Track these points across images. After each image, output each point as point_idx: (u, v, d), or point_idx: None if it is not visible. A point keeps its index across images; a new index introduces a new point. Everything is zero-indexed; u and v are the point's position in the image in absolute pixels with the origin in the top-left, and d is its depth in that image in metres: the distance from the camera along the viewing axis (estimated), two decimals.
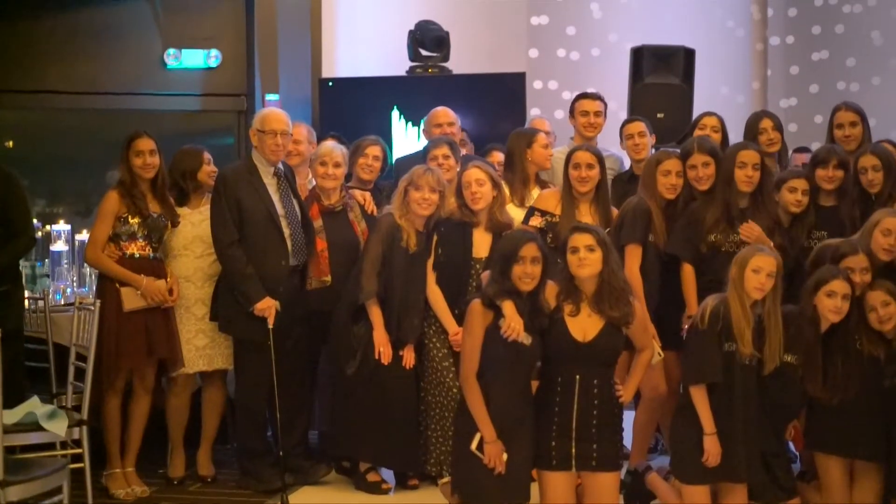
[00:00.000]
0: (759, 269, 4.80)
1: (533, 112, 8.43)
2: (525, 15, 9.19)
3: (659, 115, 7.25)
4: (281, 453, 5.55)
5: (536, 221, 5.69)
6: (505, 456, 4.55)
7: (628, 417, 5.22)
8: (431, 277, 5.62)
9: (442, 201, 5.61)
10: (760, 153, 5.55)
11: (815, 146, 6.92)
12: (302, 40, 8.70)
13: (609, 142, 6.91)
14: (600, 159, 5.73)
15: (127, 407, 5.79)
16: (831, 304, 4.92)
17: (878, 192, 5.54)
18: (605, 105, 6.77)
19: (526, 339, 4.55)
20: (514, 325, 4.52)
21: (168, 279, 5.76)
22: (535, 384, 4.74)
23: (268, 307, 5.58)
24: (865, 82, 8.87)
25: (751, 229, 5.35)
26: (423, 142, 6.78)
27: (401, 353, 5.61)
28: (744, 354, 4.79)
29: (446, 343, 5.63)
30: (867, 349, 5.02)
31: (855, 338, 5.03)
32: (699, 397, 4.82)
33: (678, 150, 5.71)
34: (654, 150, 6.25)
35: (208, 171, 5.99)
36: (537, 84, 8.98)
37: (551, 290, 4.73)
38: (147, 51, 8.50)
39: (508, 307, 4.54)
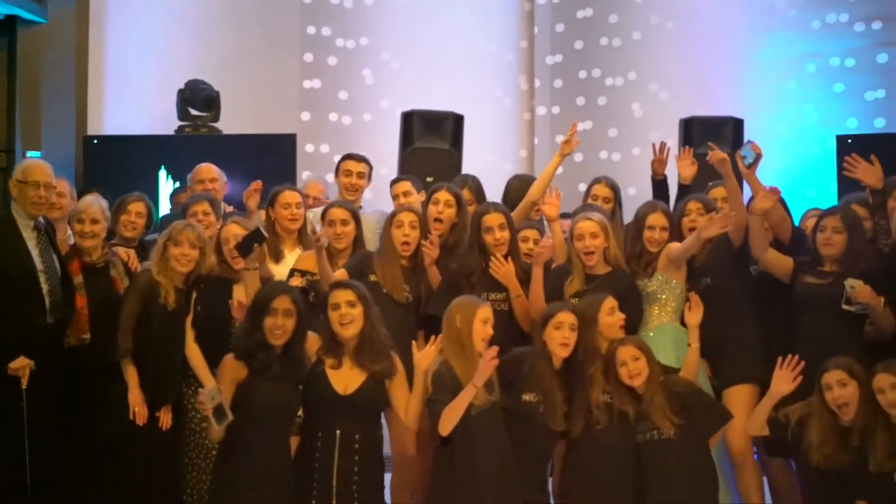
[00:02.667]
0: (487, 320, 4.85)
1: (305, 175, 8.40)
2: (298, 78, 9.21)
3: (428, 179, 7.30)
4: None
5: (297, 281, 5.63)
6: None
7: None
8: (191, 335, 5.47)
9: (202, 257, 5.48)
10: (506, 214, 5.67)
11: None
12: (67, 96, 8.48)
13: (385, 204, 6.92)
14: (355, 215, 5.78)
15: None
16: (559, 336, 4.99)
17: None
18: (371, 168, 6.78)
19: (217, 421, 4.49)
20: (203, 400, 4.47)
21: None
22: (295, 440, 4.67)
23: (21, 367, 5.31)
24: (626, 152, 9.23)
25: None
26: None
27: (157, 413, 5.41)
28: (476, 402, 4.75)
29: None
30: (617, 405, 5.09)
31: (606, 391, 5.11)
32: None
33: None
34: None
35: None
36: (309, 147, 9.00)
37: (314, 344, 4.68)
38: None
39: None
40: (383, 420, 5.09)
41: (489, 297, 5.47)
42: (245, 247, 5.29)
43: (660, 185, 6.55)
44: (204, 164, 6.75)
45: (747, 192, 5.65)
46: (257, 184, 6.46)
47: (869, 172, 5.55)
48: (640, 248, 5.72)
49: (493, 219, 5.61)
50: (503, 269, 5.39)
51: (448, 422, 4.63)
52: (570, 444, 5.14)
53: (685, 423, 5.06)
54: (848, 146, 7.98)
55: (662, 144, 6.60)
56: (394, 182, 6.73)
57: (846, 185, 6.03)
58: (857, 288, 5.19)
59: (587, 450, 5.08)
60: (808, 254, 5.58)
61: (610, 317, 5.21)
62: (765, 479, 5.68)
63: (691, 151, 6.39)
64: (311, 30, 9.33)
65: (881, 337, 5.38)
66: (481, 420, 4.74)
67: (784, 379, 5.06)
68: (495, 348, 4.72)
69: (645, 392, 5.11)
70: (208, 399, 4.51)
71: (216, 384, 4.63)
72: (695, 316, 5.37)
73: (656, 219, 5.71)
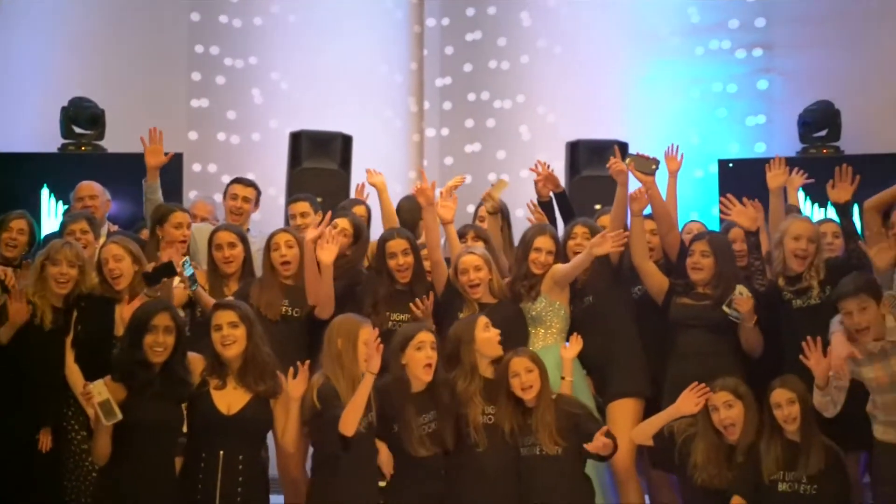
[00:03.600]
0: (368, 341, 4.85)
1: (192, 195, 8.30)
2: (185, 97, 9.11)
3: (318, 200, 7.29)
4: None
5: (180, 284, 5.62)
6: None
7: None
8: (70, 355, 5.35)
9: (82, 276, 5.37)
10: (410, 240, 5.79)
11: None
12: None
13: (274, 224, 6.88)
14: (242, 237, 5.85)
15: None
16: (423, 357, 4.99)
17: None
18: (258, 192, 6.76)
19: (104, 416, 4.41)
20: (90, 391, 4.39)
21: None
22: (179, 461, 4.60)
23: None
24: (514, 174, 9.29)
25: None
26: None
27: (37, 436, 5.28)
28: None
29: (86, 424, 5.36)
30: (499, 421, 5.13)
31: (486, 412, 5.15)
32: None
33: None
34: None
35: None
36: (196, 166, 8.89)
37: (198, 364, 4.63)
38: None
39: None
40: (271, 441, 5.04)
41: (391, 318, 5.61)
42: (153, 277, 5.24)
43: (545, 208, 6.62)
44: (85, 182, 6.66)
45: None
46: None
47: (743, 215, 5.62)
48: (526, 269, 5.77)
49: (396, 244, 5.72)
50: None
51: (350, 420, 4.59)
52: (449, 466, 5.14)
53: (570, 445, 5.10)
54: (729, 170, 8.21)
55: (539, 162, 6.64)
56: (292, 201, 6.71)
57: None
58: (743, 296, 5.31)
59: (469, 473, 5.11)
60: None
61: (485, 332, 5.25)
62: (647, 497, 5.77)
63: None
64: (199, 48, 9.22)
65: (750, 353, 5.51)
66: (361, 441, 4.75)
67: (689, 402, 5.14)
68: (376, 330, 4.78)
69: (535, 406, 5.15)
70: (96, 392, 4.40)
71: (105, 379, 4.52)
72: (571, 351, 5.47)
73: (543, 241, 5.77)
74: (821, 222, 5.76)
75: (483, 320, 5.28)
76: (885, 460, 5.05)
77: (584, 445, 4.96)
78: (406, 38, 9.80)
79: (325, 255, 5.37)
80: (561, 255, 5.82)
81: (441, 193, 6.00)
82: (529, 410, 5.16)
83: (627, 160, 5.70)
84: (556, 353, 5.53)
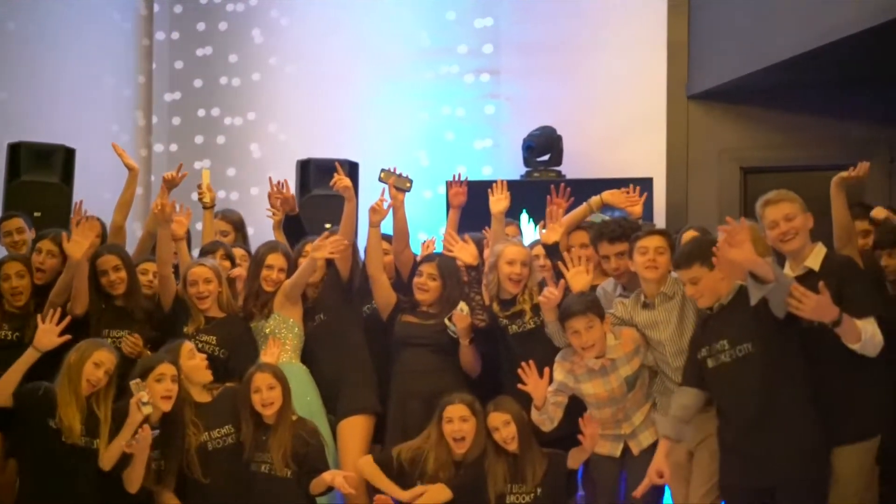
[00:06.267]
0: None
1: None
2: None
3: (36, 214, 6.99)
4: None
5: None
6: None
7: None
8: None
9: None
10: (121, 255, 5.73)
11: None
12: None
13: None
14: None
15: None
16: (161, 390, 4.98)
17: None
18: None
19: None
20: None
21: None
22: None
23: None
24: (245, 192, 9.24)
25: None
26: None
27: None
28: None
29: None
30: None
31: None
32: None
33: None
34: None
35: None
36: None
37: None
38: None
39: None
40: None
41: (110, 335, 5.51)
42: None
43: (291, 221, 6.65)
44: None
45: None
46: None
47: (465, 251, 5.73)
48: (258, 287, 5.73)
49: (106, 261, 5.65)
50: None
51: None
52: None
53: (300, 471, 5.13)
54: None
55: (279, 182, 6.63)
56: (4, 218, 6.45)
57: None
58: (463, 312, 5.43)
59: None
60: None
61: (191, 360, 5.22)
62: None
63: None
64: None
65: (468, 372, 5.64)
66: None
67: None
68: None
69: (273, 423, 5.17)
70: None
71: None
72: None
73: (275, 259, 5.74)
74: (533, 244, 5.94)
75: (187, 347, 5.25)
76: (601, 473, 5.25)
77: None
78: (134, 51, 9.57)
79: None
80: (293, 271, 5.80)
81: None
82: (267, 427, 5.17)
83: (382, 174, 5.76)
84: (288, 371, 5.48)
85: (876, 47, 7.11)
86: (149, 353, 5.46)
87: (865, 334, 4.39)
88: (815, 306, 4.28)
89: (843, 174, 5.02)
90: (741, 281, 4.51)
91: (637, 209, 5.75)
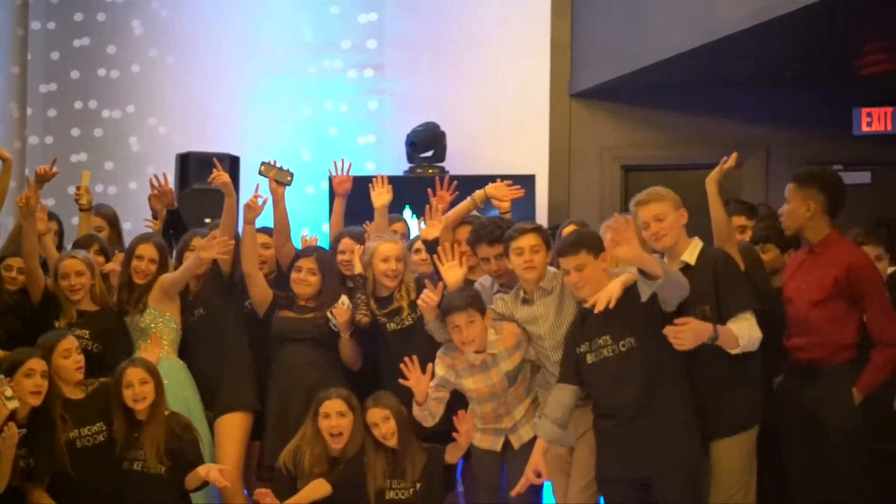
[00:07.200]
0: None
1: None
2: None
3: None
4: None
5: None
6: None
7: None
8: None
9: None
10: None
11: None
12: None
13: None
14: None
15: None
16: (30, 385, 4.88)
17: None
18: None
19: None
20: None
21: None
22: None
23: None
24: (123, 186, 9.08)
25: None
26: None
27: None
28: None
29: None
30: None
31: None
32: None
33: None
34: None
35: None
36: None
37: None
38: None
39: None
40: None
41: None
42: None
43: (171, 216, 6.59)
44: None
45: None
46: None
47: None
48: (128, 278, 5.63)
49: (14, 262, 5.64)
50: None
51: None
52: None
53: (174, 466, 5.06)
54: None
55: (156, 177, 6.54)
56: None
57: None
58: (344, 306, 5.45)
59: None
60: None
61: (65, 360, 5.13)
62: None
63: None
64: None
65: (348, 365, 5.62)
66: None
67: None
68: None
69: (145, 419, 5.09)
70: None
71: None
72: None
73: (145, 249, 5.67)
74: (414, 240, 5.93)
75: (64, 345, 5.13)
76: (482, 467, 5.28)
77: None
78: (7, 41, 9.31)
79: None
80: (165, 264, 5.70)
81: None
82: (139, 423, 5.09)
83: (262, 167, 5.69)
84: (166, 367, 5.41)
85: (752, 48, 7.26)
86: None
87: (742, 337, 4.49)
88: (693, 336, 4.37)
89: (715, 171, 5.10)
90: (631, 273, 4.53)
91: (506, 205, 5.73)
